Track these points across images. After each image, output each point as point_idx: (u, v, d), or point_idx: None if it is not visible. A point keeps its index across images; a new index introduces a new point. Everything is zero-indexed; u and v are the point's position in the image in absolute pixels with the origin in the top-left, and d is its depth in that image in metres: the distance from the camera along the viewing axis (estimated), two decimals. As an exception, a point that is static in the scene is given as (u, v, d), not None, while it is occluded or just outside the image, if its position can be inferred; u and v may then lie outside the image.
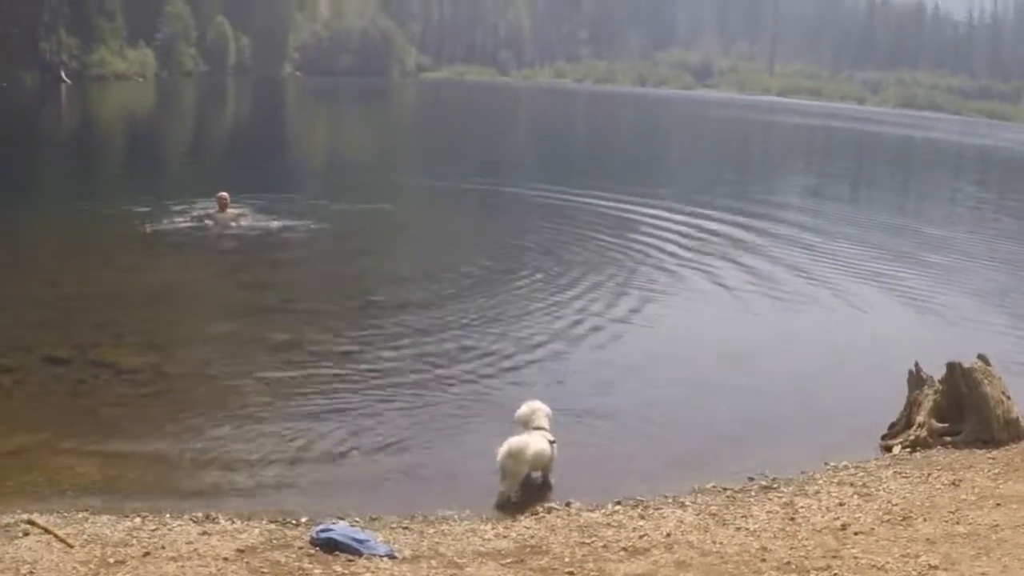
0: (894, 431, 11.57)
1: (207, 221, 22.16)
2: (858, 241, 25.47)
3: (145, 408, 11.28)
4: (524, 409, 10.09)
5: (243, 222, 22.34)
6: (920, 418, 11.34)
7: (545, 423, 9.99)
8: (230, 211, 22.51)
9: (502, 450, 9.49)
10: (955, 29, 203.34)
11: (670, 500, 9.42)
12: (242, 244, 20.81)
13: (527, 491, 9.65)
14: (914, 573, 7.58)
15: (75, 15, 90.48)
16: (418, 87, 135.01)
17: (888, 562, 7.77)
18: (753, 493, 9.66)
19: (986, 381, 11.21)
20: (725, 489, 9.77)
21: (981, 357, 11.61)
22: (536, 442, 9.71)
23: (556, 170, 42.33)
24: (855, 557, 7.88)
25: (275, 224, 22.32)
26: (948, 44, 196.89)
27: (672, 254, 22.04)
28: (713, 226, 25.96)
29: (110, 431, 10.55)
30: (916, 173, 57.20)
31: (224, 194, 22.50)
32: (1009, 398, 11.28)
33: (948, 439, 11.18)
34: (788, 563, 7.80)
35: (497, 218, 27.35)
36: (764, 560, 7.87)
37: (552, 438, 9.89)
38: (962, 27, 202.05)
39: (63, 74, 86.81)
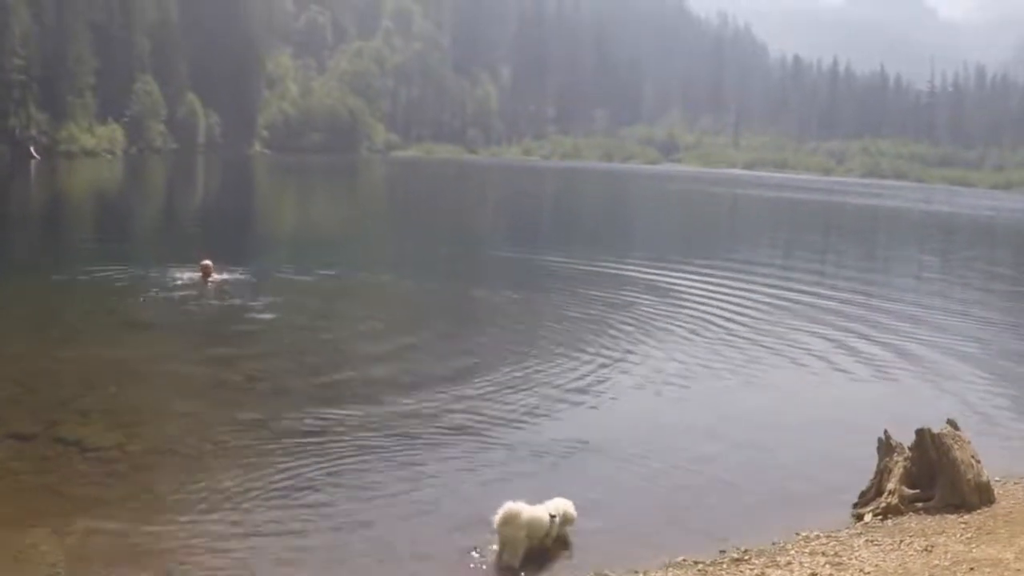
0: (865, 499, 11.55)
1: (190, 290, 22.56)
2: (822, 311, 25.56)
3: (110, 486, 11.12)
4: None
5: (223, 288, 22.79)
6: (891, 485, 11.33)
7: (558, 506, 10.14)
8: (214, 277, 23.00)
9: (497, 518, 9.52)
10: (917, 98, 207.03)
11: (641, 575, 9.33)
12: (209, 319, 20.77)
13: (494, 568, 9.57)
14: (888, 642, 7.53)
15: (44, 91, 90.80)
16: (387, 164, 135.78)
17: (862, 631, 7.72)
18: (725, 566, 9.58)
19: (956, 446, 11.24)
20: (696, 562, 9.68)
21: (950, 422, 11.66)
22: (532, 509, 9.75)
23: (529, 239, 42.61)
24: (829, 627, 7.82)
25: (245, 298, 22.39)
26: (911, 113, 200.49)
27: (635, 324, 22.07)
28: (681, 297, 26.04)
29: (75, 509, 10.38)
30: (883, 241, 57.78)
31: (207, 262, 22.91)
32: (979, 462, 11.31)
33: (919, 505, 11.17)
34: (761, 634, 7.73)
35: (474, 284, 27.45)
36: (737, 632, 7.80)
37: (553, 512, 9.96)
38: (924, 96, 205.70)
39: (32, 150, 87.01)
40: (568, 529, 10.37)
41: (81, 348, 17.72)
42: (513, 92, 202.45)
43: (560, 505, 10.21)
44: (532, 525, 9.71)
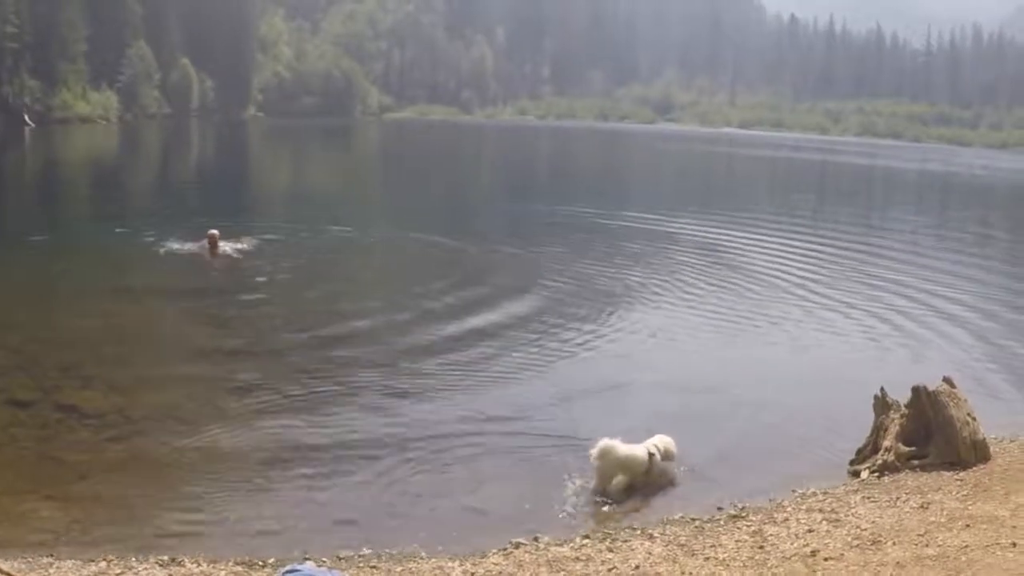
0: (861, 456, 11.59)
1: (196, 258, 22.46)
2: (820, 268, 25.56)
3: (109, 452, 11.15)
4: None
5: (230, 256, 22.61)
6: (887, 442, 11.37)
7: (659, 442, 10.70)
8: (221, 246, 22.82)
9: (594, 450, 10.17)
10: (914, 58, 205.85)
11: (638, 532, 9.37)
12: (212, 285, 20.74)
13: (493, 526, 9.63)
14: (884, 597, 7.58)
15: (37, 58, 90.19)
16: (381, 126, 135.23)
17: (858, 587, 7.78)
18: (722, 523, 9.63)
19: (952, 403, 11.26)
20: (693, 519, 9.73)
21: (946, 380, 11.67)
22: (629, 447, 10.35)
23: (538, 196, 42.61)
24: (825, 583, 7.88)
25: (249, 264, 22.32)
26: (907, 72, 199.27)
27: (635, 279, 22.37)
28: (678, 255, 26.07)
29: (75, 475, 10.42)
30: (879, 200, 57.60)
31: (214, 232, 22.75)
32: (975, 419, 11.33)
33: (916, 462, 11.20)
34: (758, 591, 7.78)
35: (496, 242, 27.66)
36: (734, 589, 7.85)
37: (653, 451, 10.51)
38: (921, 55, 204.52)
39: (26, 117, 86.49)
40: (566, 487, 10.53)
41: (81, 314, 17.73)
42: (508, 53, 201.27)
43: (660, 441, 10.73)
44: (629, 462, 10.34)
